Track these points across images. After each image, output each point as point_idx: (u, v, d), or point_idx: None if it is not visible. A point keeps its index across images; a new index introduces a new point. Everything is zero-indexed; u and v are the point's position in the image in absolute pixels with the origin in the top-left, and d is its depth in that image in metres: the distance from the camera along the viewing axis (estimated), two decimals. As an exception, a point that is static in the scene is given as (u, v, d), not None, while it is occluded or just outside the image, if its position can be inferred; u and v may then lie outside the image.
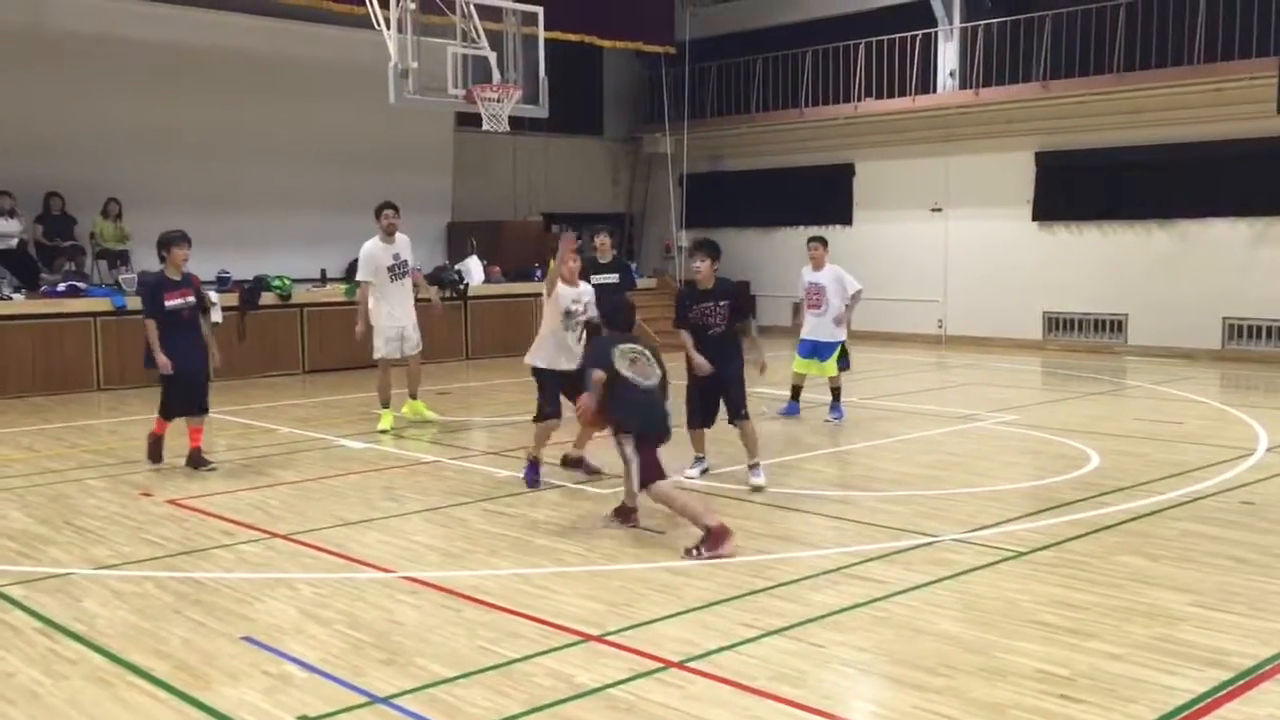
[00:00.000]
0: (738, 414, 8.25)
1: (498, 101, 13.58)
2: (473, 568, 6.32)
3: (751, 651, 4.93)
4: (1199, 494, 7.92)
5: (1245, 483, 8.29)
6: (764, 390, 9.84)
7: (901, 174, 20.32)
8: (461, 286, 17.55)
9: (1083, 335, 18.47)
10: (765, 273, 21.73)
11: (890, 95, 20.02)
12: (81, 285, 14.67)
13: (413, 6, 13.11)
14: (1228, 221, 16.85)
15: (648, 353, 7.02)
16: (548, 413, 8.38)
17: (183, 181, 16.57)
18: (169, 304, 8.71)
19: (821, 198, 21.13)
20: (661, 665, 4.77)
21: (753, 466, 8.23)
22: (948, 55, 19.73)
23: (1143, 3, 17.02)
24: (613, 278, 11.39)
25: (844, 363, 11.35)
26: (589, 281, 11.16)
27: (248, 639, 5.14)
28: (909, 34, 19.68)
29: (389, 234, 10.90)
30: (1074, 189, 18.30)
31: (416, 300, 11.29)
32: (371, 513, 7.60)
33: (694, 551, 6.35)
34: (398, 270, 10.96)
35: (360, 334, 10.99)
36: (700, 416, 8.43)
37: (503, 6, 14.12)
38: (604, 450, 7.90)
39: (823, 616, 5.37)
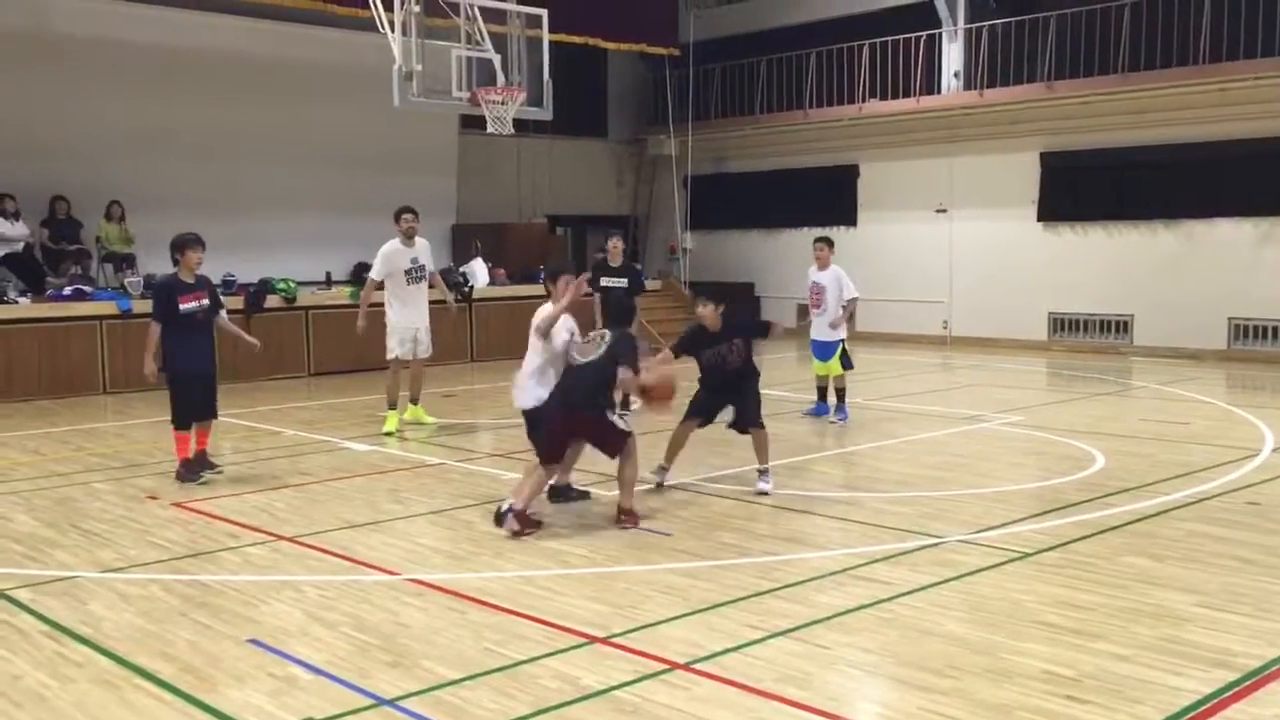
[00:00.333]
0: (752, 423, 8.13)
1: (502, 104, 13.61)
2: (478, 570, 6.32)
3: (757, 653, 4.93)
4: (1205, 494, 7.91)
5: (1251, 483, 8.27)
6: (780, 393, 9.77)
7: (906, 175, 20.31)
8: (466, 289, 17.56)
9: (1088, 336, 18.45)
10: (769, 274, 21.77)
11: (895, 96, 20.02)
12: (87, 288, 14.71)
13: (417, 9, 13.15)
14: (1233, 222, 16.83)
15: (607, 337, 7.35)
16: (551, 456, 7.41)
17: (187, 184, 16.60)
18: (184, 307, 8.55)
19: (826, 199, 21.13)
20: (667, 667, 4.77)
21: (761, 473, 8.15)
22: (952, 56, 19.73)
23: (1147, 3, 17.01)
24: (621, 281, 11.50)
25: (846, 362, 11.35)
26: (598, 285, 11.25)
27: (253, 641, 5.15)
28: (913, 35, 19.68)
29: (409, 237, 10.98)
30: (1079, 189, 18.28)
31: (433, 303, 11.34)
32: (377, 515, 7.60)
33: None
34: (414, 274, 11.01)
35: (361, 329, 11.02)
36: (699, 412, 8.24)
37: (507, 9, 14.15)
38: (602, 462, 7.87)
39: (828, 618, 5.37)
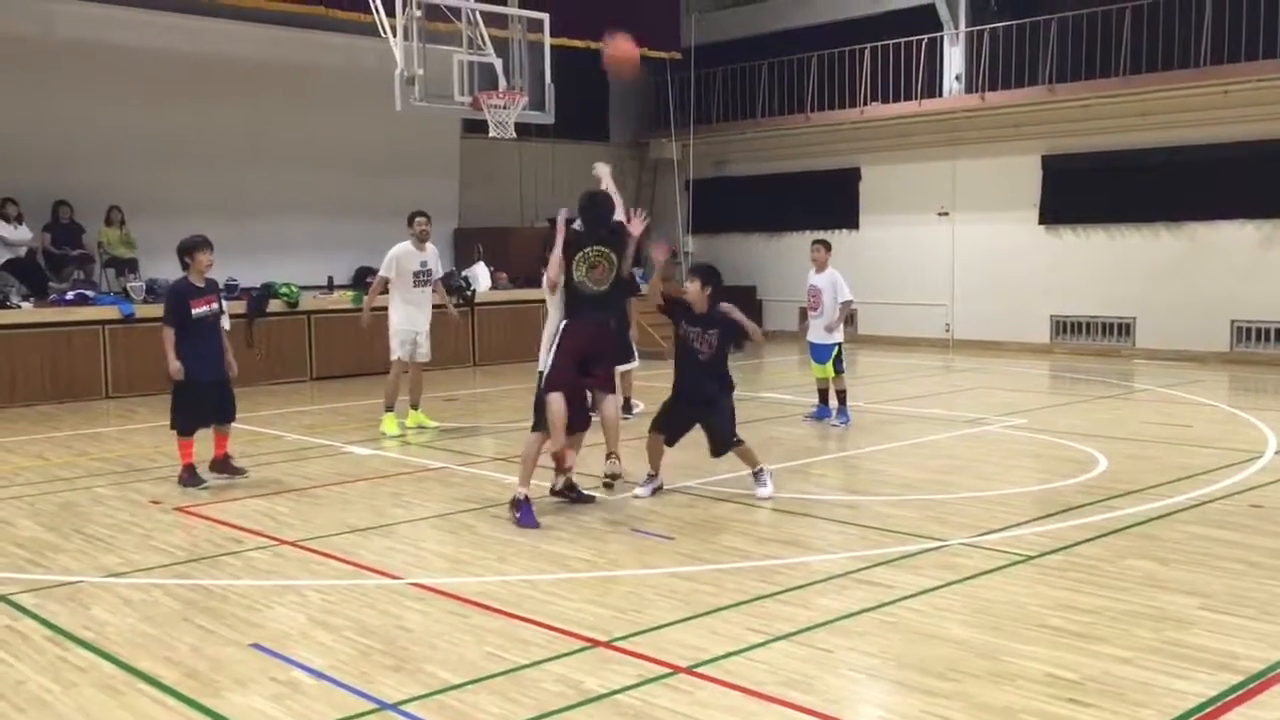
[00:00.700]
0: (725, 448, 7.84)
1: (504, 108, 13.63)
2: (480, 574, 6.32)
3: (759, 657, 4.92)
4: (1208, 497, 7.90)
5: (1254, 486, 8.26)
6: (782, 396, 9.83)
7: (908, 178, 20.31)
8: (469, 293, 17.57)
9: (1090, 339, 18.45)
10: (771, 278, 21.77)
11: (896, 99, 20.01)
12: (90, 294, 14.72)
13: (418, 13, 13.16)
14: (1235, 224, 16.82)
15: (611, 255, 7.59)
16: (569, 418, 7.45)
17: (190, 189, 16.61)
18: (195, 311, 8.44)
19: (828, 202, 21.12)
20: (669, 671, 4.77)
21: (756, 475, 7.97)
22: (953, 59, 19.72)
23: (1149, 5, 17.01)
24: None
25: (837, 365, 11.35)
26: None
27: (256, 646, 5.15)
28: (914, 38, 19.68)
29: (421, 241, 11.04)
30: (1081, 192, 18.27)
31: (434, 307, 11.37)
32: (379, 519, 7.61)
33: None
34: (422, 277, 11.08)
35: (366, 321, 11.05)
36: (665, 428, 7.95)
37: (509, 13, 14.16)
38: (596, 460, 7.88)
39: (830, 621, 5.37)
